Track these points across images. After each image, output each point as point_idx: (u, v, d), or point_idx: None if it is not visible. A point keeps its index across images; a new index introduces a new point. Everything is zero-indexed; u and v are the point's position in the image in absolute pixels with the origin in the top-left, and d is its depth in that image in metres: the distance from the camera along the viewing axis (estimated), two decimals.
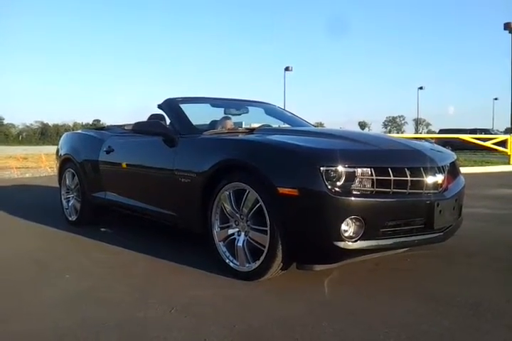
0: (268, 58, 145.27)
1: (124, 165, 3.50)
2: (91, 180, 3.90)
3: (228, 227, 2.57)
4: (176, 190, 2.90)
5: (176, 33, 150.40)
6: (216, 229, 2.63)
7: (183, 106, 3.45)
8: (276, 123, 3.94)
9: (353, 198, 2.15)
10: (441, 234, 2.48)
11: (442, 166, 2.54)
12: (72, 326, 1.90)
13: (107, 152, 3.72)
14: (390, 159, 2.40)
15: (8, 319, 2.01)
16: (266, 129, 3.25)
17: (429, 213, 2.34)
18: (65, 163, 4.31)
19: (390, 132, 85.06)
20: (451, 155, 2.94)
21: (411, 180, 2.31)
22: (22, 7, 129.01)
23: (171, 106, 3.47)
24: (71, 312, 2.07)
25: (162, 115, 3.48)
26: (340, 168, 2.17)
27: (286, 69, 32.02)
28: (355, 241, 2.20)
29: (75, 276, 2.61)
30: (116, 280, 2.52)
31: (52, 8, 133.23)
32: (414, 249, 2.71)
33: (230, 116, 3.78)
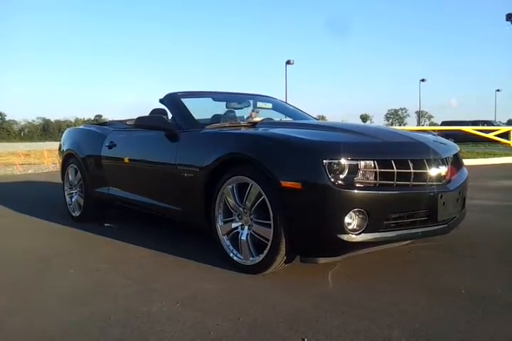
0: (269, 52, 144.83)
1: (126, 160, 3.50)
2: (94, 175, 3.91)
3: (232, 221, 2.57)
4: (179, 184, 2.90)
5: (175, 29, 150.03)
6: (219, 223, 2.63)
7: (184, 101, 3.45)
8: (278, 117, 3.93)
9: (356, 191, 2.15)
10: (445, 226, 2.47)
11: (445, 158, 2.53)
12: (78, 321, 1.91)
13: (109, 147, 3.72)
14: (393, 151, 2.38)
15: (13, 314, 2.02)
16: (268, 123, 3.24)
17: (433, 205, 2.34)
18: (67, 158, 4.31)
19: (392, 125, 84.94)
20: (454, 147, 2.93)
21: (414, 173, 2.30)
22: (22, 5, 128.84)
23: (173, 100, 3.46)
24: (76, 307, 2.08)
25: (164, 110, 3.47)
26: (343, 161, 2.17)
27: (288, 62, 31.80)
28: (359, 233, 2.19)
29: (79, 272, 2.62)
30: (120, 275, 2.53)
31: (52, 6, 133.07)
32: (417, 241, 2.72)
33: (258, 109, 3.80)
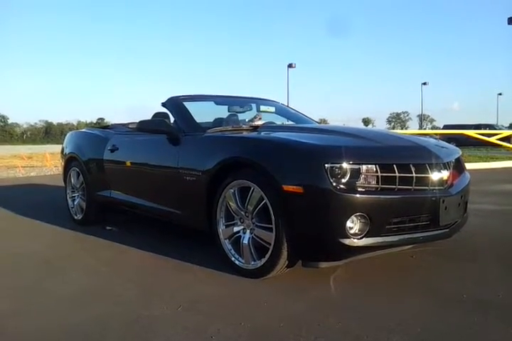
0: (270, 56, 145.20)
1: (128, 163, 3.50)
2: (96, 178, 3.91)
3: (233, 225, 2.57)
4: (181, 188, 2.90)
5: (177, 31, 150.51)
6: (221, 227, 2.63)
7: (186, 104, 3.45)
8: (280, 121, 3.93)
9: (358, 195, 2.15)
10: (447, 230, 2.47)
11: (447, 162, 2.53)
12: (79, 324, 1.91)
13: (112, 151, 3.73)
14: (395, 155, 2.39)
15: (15, 317, 2.02)
16: (270, 126, 3.24)
17: (435, 210, 2.34)
18: (69, 161, 4.32)
19: (394, 128, 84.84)
20: (456, 151, 2.93)
21: (416, 177, 2.30)
22: (23, 6, 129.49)
23: (175, 104, 3.47)
24: (77, 310, 2.08)
25: (166, 113, 3.48)
26: (345, 165, 2.17)
27: (290, 66, 31.87)
28: (361, 238, 2.19)
29: (81, 275, 2.63)
30: (122, 279, 2.53)
31: (53, 7, 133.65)
32: (419, 245, 2.71)
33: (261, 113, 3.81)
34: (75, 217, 4.20)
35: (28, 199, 5.93)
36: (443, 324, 1.84)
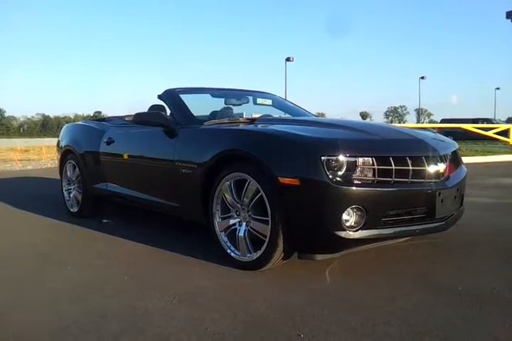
0: (268, 50, 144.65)
1: (124, 156, 3.49)
2: (92, 171, 3.90)
3: (229, 217, 2.57)
4: (177, 180, 2.89)
5: (175, 26, 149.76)
6: (217, 220, 2.63)
7: (183, 97, 3.44)
8: (277, 113, 3.92)
9: (354, 188, 2.14)
10: (443, 223, 2.47)
11: (444, 155, 2.53)
12: (75, 317, 1.91)
13: (108, 143, 3.71)
14: (392, 148, 2.38)
15: (11, 310, 2.01)
16: (267, 119, 3.23)
17: (431, 202, 2.34)
18: (65, 154, 4.30)
19: (391, 122, 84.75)
20: (452, 145, 2.92)
21: (412, 169, 2.30)
22: (22, 2, 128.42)
23: (171, 96, 3.45)
24: (73, 303, 2.08)
25: (162, 106, 3.46)
26: (342, 158, 2.16)
27: (288, 59, 31.73)
28: (357, 230, 2.19)
29: (77, 268, 2.62)
30: (118, 271, 2.52)
31: (51, 3, 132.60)
32: (415, 238, 2.72)
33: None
34: (71, 210, 4.19)
35: (24, 192, 5.91)
36: (439, 316, 1.84)
